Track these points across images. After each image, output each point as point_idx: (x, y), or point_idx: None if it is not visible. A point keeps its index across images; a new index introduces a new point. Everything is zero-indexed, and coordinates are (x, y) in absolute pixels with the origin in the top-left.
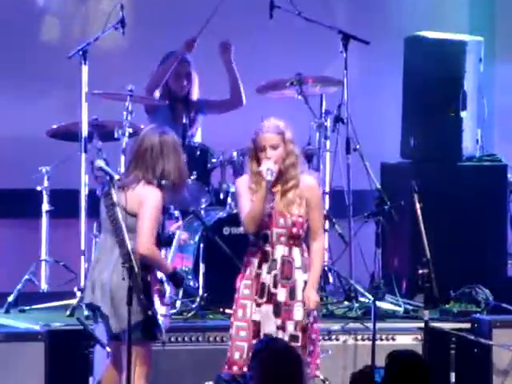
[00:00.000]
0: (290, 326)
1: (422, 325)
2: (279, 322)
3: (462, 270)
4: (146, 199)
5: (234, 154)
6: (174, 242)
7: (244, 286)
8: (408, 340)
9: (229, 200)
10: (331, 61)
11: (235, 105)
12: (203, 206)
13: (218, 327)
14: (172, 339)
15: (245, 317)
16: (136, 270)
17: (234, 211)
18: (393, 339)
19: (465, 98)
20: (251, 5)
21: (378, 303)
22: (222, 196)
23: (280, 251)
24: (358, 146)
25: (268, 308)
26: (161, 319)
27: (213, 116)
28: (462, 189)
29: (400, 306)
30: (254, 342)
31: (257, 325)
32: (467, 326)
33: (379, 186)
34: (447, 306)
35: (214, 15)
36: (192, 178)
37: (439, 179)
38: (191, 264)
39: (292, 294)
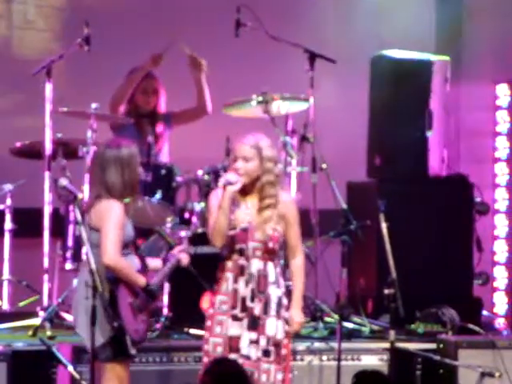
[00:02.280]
0: (263, 341)
1: (387, 345)
2: (254, 336)
3: (428, 290)
4: (105, 213)
5: (200, 172)
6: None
7: (220, 301)
8: (374, 360)
9: (194, 219)
10: (297, 79)
11: (200, 113)
12: (168, 225)
13: (183, 347)
14: (136, 359)
15: (222, 333)
16: (100, 289)
17: (200, 230)
18: (358, 359)
19: (431, 118)
20: (217, 23)
21: (344, 323)
22: (187, 215)
23: (255, 265)
24: (324, 165)
25: (245, 322)
26: (130, 334)
27: (179, 134)
28: (428, 208)
29: (366, 326)
30: (231, 356)
31: (234, 340)
32: (433, 346)
33: (345, 206)
34: (413, 326)
35: (180, 33)
36: (157, 196)
37: (405, 199)
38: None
39: (266, 308)
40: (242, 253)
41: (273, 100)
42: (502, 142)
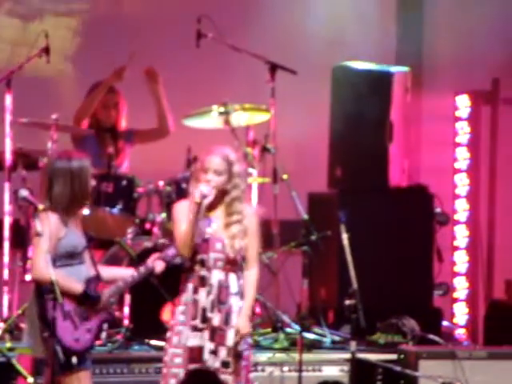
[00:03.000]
0: (223, 352)
1: (348, 356)
2: (213, 346)
3: (389, 300)
4: (37, 225)
5: (161, 183)
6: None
7: (180, 312)
8: (335, 371)
9: (155, 230)
10: (259, 90)
11: (162, 133)
12: (129, 235)
13: (143, 358)
14: (96, 371)
15: (180, 343)
16: (60, 300)
17: (160, 241)
18: (319, 370)
19: (391, 128)
20: (178, 34)
21: (305, 334)
22: (148, 226)
23: (216, 276)
24: (285, 176)
25: (206, 333)
26: (64, 344)
27: (140, 145)
28: (389, 219)
29: (327, 336)
30: (191, 367)
31: (197, 350)
32: (393, 357)
33: (306, 217)
34: (374, 337)
35: (142, 44)
36: (118, 207)
37: (366, 209)
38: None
39: (227, 319)
40: (203, 264)
41: (234, 111)
42: (461, 153)
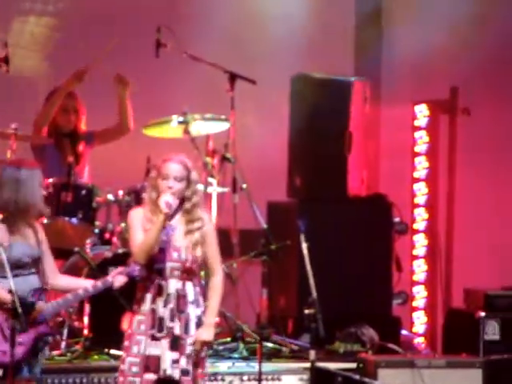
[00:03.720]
0: (183, 361)
1: (307, 365)
2: (176, 355)
3: (348, 309)
4: None
5: (120, 193)
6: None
7: (138, 321)
8: (294, 380)
9: (114, 239)
10: (218, 100)
11: (122, 131)
12: (88, 245)
13: (103, 368)
14: (56, 381)
15: (139, 352)
16: (19, 310)
17: (120, 251)
18: (279, 379)
19: (350, 138)
20: (138, 43)
21: (264, 343)
22: (107, 235)
23: (173, 285)
24: (244, 185)
25: (166, 342)
26: None
27: (99, 154)
28: (349, 228)
29: (286, 346)
30: (146, 376)
31: (154, 359)
32: (353, 365)
33: (266, 226)
34: (333, 346)
35: (102, 53)
36: (77, 217)
37: (325, 219)
38: (76, 304)
39: (186, 328)
40: (160, 273)
41: (193, 120)
42: (420, 162)
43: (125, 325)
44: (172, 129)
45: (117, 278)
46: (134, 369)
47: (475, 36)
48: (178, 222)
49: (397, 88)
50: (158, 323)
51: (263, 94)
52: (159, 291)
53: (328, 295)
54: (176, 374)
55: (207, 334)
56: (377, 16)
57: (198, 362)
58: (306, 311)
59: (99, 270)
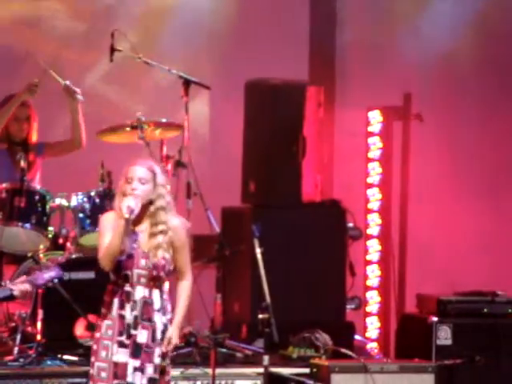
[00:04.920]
0: (150, 369)
1: (261, 370)
2: (138, 363)
3: (302, 314)
4: None
5: (74, 198)
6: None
7: (106, 326)
8: None
9: (68, 244)
10: (172, 105)
11: (75, 146)
12: (41, 250)
13: (56, 374)
14: None
15: (107, 358)
16: None
17: (73, 256)
18: None
19: (304, 143)
20: (92, 48)
21: (218, 348)
22: (61, 241)
23: (140, 292)
24: (198, 191)
25: (128, 349)
26: None
27: (53, 159)
28: (303, 234)
29: (240, 351)
30: (115, 382)
31: (122, 366)
32: (306, 370)
33: (219, 231)
34: (287, 351)
35: (54, 59)
36: (31, 222)
37: (279, 224)
38: (29, 309)
39: (153, 336)
40: (127, 279)
41: (147, 125)
42: (374, 168)
43: (78, 330)
44: (126, 134)
45: (18, 286)
46: (103, 374)
47: (428, 43)
48: (144, 226)
49: (350, 94)
50: (126, 330)
51: (218, 99)
52: (127, 297)
53: (282, 300)
54: (137, 381)
55: (171, 333)
56: (331, 23)
57: (164, 370)
58: (260, 316)
59: None
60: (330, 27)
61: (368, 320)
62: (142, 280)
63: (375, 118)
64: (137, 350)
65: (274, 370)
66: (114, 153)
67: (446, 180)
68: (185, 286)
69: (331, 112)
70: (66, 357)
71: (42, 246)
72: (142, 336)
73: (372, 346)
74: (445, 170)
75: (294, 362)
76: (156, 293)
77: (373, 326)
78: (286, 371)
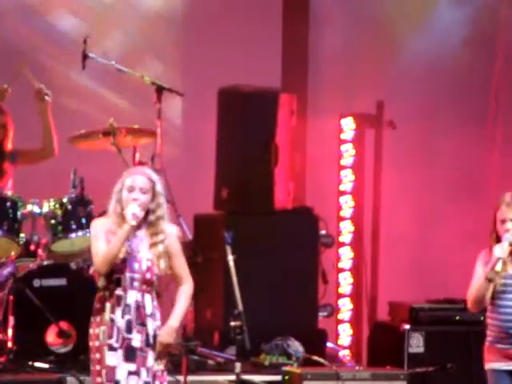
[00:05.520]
0: (144, 373)
1: (233, 377)
2: (133, 367)
3: (274, 322)
4: None
5: (46, 204)
6: None
7: (103, 332)
8: None
9: (39, 251)
10: (145, 111)
11: (47, 154)
12: (13, 257)
13: (27, 381)
14: None
15: (105, 363)
16: None
17: (45, 263)
18: None
19: (277, 151)
20: (65, 54)
21: (190, 356)
22: (32, 247)
23: (133, 296)
24: (170, 198)
25: (121, 353)
26: None
27: (25, 166)
28: (275, 241)
29: (212, 358)
30: None
31: (111, 369)
32: (278, 378)
33: (192, 238)
34: (259, 358)
35: (27, 64)
36: (2, 229)
37: (252, 231)
38: (0, 316)
39: (147, 340)
40: (119, 283)
41: (120, 132)
42: (346, 175)
43: (49, 337)
44: (99, 140)
45: None
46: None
47: (401, 51)
48: (142, 234)
49: (323, 101)
50: (116, 334)
51: (191, 106)
52: (118, 301)
53: (254, 308)
54: None
55: (168, 336)
56: (304, 30)
57: (155, 375)
58: (232, 323)
59: (23, 281)
60: (303, 34)
61: (340, 327)
62: (135, 284)
63: (348, 126)
64: (131, 354)
65: (245, 377)
66: (87, 159)
67: (417, 187)
68: (185, 289)
69: (304, 119)
70: (37, 364)
71: (13, 253)
72: (136, 340)
73: (344, 354)
74: (417, 177)
75: (266, 370)
76: (148, 298)
77: (345, 334)
78: (258, 378)
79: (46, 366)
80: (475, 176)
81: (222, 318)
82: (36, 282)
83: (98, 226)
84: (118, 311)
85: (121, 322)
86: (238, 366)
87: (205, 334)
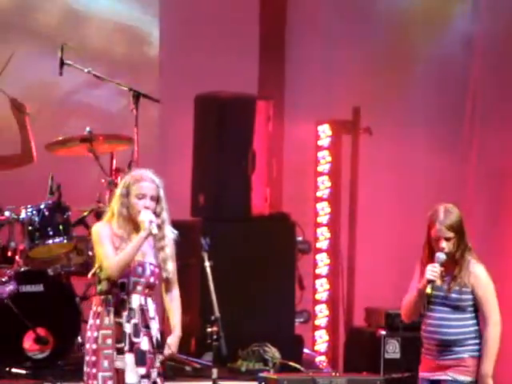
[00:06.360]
0: (154, 374)
1: (210, 383)
2: (144, 371)
3: (251, 328)
4: None
5: (23, 211)
6: None
7: (104, 336)
8: None
9: (17, 258)
10: (122, 118)
11: (25, 161)
12: None
13: None
14: None
15: (110, 366)
16: None
17: (22, 269)
18: None
19: (254, 157)
20: (42, 62)
21: (167, 361)
22: (9, 253)
23: (136, 300)
24: None
25: (131, 357)
26: None
27: (2, 172)
28: (252, 247)
29: (189, 364)
30: None
31: (121, 373)
32: None
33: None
34: (235, 364)
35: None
36: None
37: (229, 237)
38: None
39: (152, 342)
40: (123, 287)
41: (97, 139)
42: (323, 182)
43: (27, 343)
44: (76, 147)
45: None
46: (110, 383)
47: (377, 57)
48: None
49: (300, 108)
50: (124, 337)
51: (167, 112)
52: (122, 305)
53: (231, 314)
54: None
55: (176, 345)
56: (281, 36)
57: (159, 374)
58: (209, 330)
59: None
60: (280, 41)
61: (317, 333)
62: (138, 288)
63: (324, 132)
64: (142, 358)
65: (222, 383)
66: (64, 166)
67: (394, 194)
68: (178, 296)
69: (280, 126)
70: (14, 370)
71: None
72: (144, 343)
73: (320, 360)
74: (393, 184)
75: (243, 376)
76: (150, 301)
77: (321, 340)
78: None
79: (23, 372)
80: (452, 181)
81: (199, 324)
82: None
83: (103, 231)
84: (124, 315)
85: (127, 327)
86: (214, 371)
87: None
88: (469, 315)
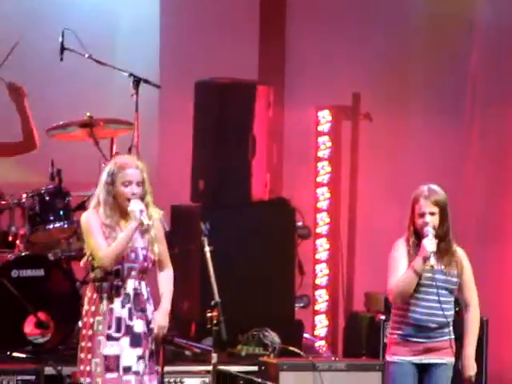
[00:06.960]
0: (147, 354)
1: (210, 368)
2: (140, 351)
3: (251, 312)
4: None
5: (24, 196)
6: None
7: (98, 322)
8: (196, 383)
9: (17, 242)
10: (123, 103)
11: (28, 148)
12: None
13: (6, 371)
14: None
15: (100, 353)
16: None
17: (23, 254)
18: (181, 382)
19: (254, 143)
20: (42, 48)
21: (167, 346)
22: (10, 238)
23: (131, 285)
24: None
25: (127, 340)
26: None
27: (3, 158)
28: (252, 232)
29: (189, 349)
30: (108, 376)
31: (113, 359)
32: (255, 368)
33: (169, 230)
34: (235, 348)
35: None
36: None
37: (229, 223)
38: None
39: (148, 324)
40: (117, 274)
41: (97, 124)
42: (323, 167)
43: (27, 328)
44: (76, 132)
45: None
46: (99, 369)
47: (377, 43)
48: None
49: (300, 93)
50: (115, 323)
51: (168, 98)
52: (117, 292)
53: (231, 298)
54: (141, 369)
55: (163, 318)
56: (281, 22)
57: (152, 354)
58: (209, 314)
59: (2, 272)
60: (280, 26)
61: (316, 318)
62: (133, 273)
63: (324, 118)
64: (137, 340)
65: (222, 367)
66: (64, 150)
67: (394, 179)
68: (169, 275)
69: (281, 111)
70: (15, 354)
71: None
72: (138, 326)
73: (320, 344)
74: (393, 169)
75: (243, 360)
76: (143, 284)
77: (321, 325)
78: (234, 369)
79: (23, 356)
80: (452, 166)
81: (199, 309)
82: (14, 273)
83: (91, 220)
84: (117, 301)
85: (122, 312)
86: (214, 356)
87: (182, 324)
88: (453, 297)
